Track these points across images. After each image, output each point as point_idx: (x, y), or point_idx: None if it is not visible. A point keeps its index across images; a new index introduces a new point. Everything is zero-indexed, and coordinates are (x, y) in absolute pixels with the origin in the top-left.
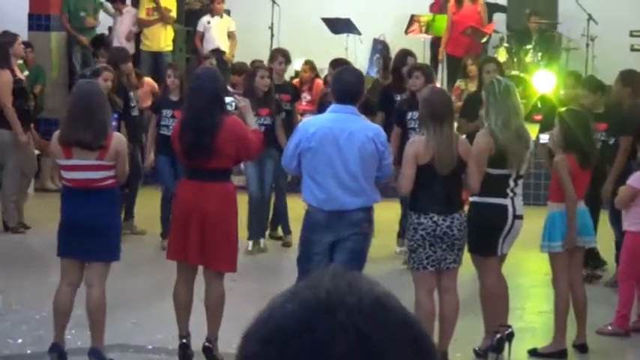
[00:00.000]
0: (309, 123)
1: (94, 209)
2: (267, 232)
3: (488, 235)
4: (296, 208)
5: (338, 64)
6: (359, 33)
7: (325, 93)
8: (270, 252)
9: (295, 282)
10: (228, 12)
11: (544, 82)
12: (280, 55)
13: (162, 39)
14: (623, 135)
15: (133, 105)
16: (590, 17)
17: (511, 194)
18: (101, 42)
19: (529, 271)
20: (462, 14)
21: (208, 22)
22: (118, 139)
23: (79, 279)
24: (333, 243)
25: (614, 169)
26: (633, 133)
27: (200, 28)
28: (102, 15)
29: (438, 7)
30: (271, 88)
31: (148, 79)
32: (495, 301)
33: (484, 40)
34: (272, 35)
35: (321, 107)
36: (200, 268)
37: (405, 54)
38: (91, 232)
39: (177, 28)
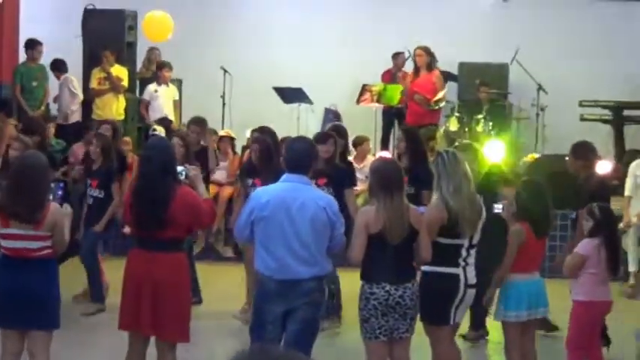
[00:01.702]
0: (262, 192)
1: (30, 278)
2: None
3: (440, 305)
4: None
5: (261, 131)
6: (310, 102)
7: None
8: (222, 320)
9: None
10: (180, 81)
11: (495, 151)
12: (192, 124)
13: (114, 108)
14: (582, 207)
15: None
16: (540, 87)
17: (463, 263)
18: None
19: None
20: (417, 83)
21: (155, 91)
22: (55, 210)
23: (19, 349)
24: (285, 312)
25: (575, 241)
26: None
27: (146, 96)
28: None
29: (389, 77)
30: (188, 156)
31: None
32: None
33: (431, 107)
34: (224, 104)
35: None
36: (152, 338)
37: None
38: (28, 301)
39: (129, 97)
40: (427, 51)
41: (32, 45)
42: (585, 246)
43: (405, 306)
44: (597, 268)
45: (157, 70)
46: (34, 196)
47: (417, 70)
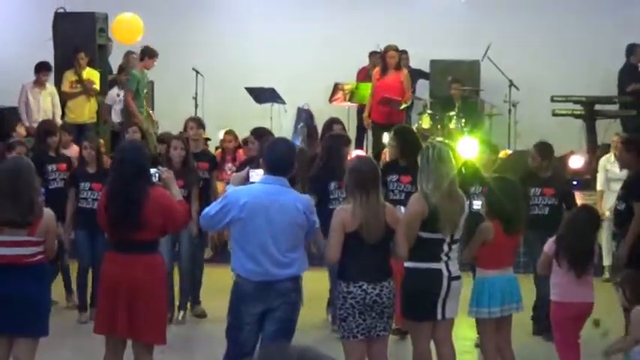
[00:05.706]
0: (240, 193)
1: (23, 284)
2: (189, 305)
3: (422, 300)
4: (224, 278)
5: (258, 133)
6: (283, 102)
7: (243, 162)
8: (196, 322)
9: (225, 352)
10: (152, 82)
11: (468, 148)
12: (191, 122)
13: (86, 111)
14: (636, 201)
15: (51, 178)
16: (511, 83)
17: (445, 258)
18: None
19: (457, 337)
20: (384, 82)
21: (118, 95)
22: (48, 215)
23: (5, 354)
24: (262, 313)
25: (630, 235)
26: None
27: (109, 101)
28: None
29: (364, 75)
30: (188, 159)
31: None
32: None
33: (402, 107)
34: (196, 105)
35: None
36: (129, 340)
37: (331, 122)
38: (20, 307)
39: (101, 100)
40: (399, 51)
41: (152, 54)
42: (549, 245)
43: (382, 304)
44: (559, 268)
45: (118, 73)
46: (26, 201)
47: (385, 69)
